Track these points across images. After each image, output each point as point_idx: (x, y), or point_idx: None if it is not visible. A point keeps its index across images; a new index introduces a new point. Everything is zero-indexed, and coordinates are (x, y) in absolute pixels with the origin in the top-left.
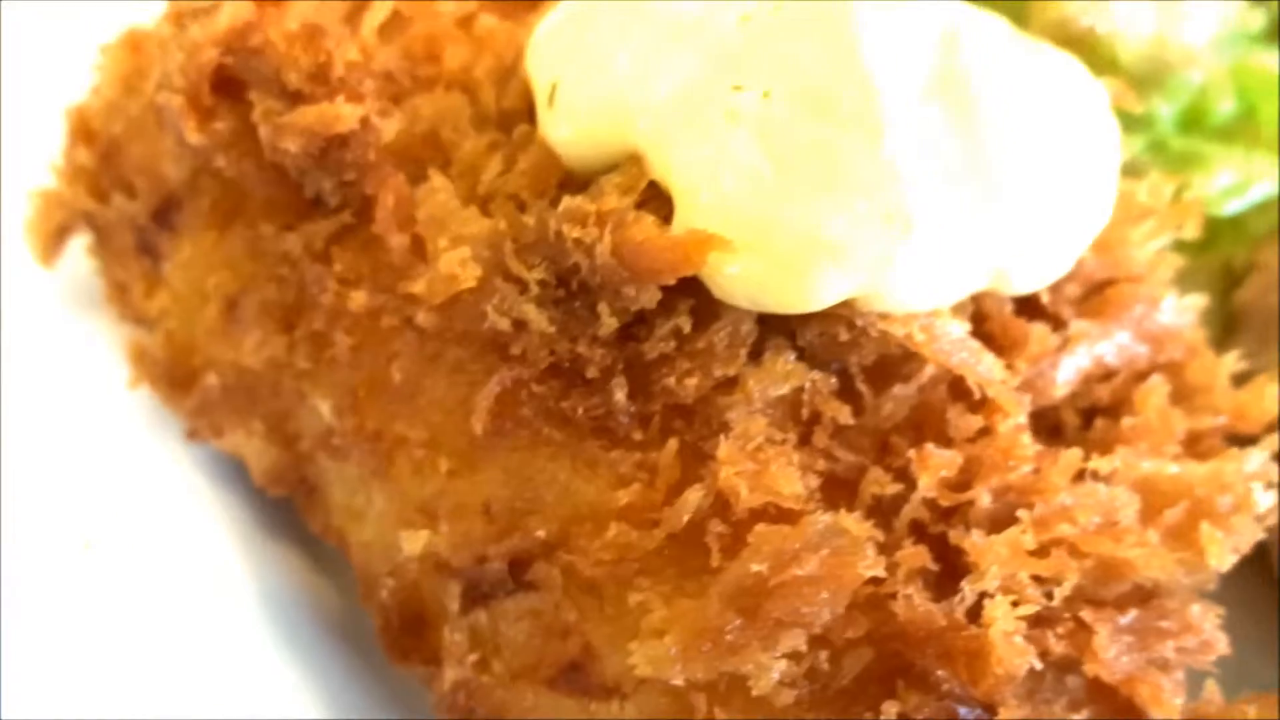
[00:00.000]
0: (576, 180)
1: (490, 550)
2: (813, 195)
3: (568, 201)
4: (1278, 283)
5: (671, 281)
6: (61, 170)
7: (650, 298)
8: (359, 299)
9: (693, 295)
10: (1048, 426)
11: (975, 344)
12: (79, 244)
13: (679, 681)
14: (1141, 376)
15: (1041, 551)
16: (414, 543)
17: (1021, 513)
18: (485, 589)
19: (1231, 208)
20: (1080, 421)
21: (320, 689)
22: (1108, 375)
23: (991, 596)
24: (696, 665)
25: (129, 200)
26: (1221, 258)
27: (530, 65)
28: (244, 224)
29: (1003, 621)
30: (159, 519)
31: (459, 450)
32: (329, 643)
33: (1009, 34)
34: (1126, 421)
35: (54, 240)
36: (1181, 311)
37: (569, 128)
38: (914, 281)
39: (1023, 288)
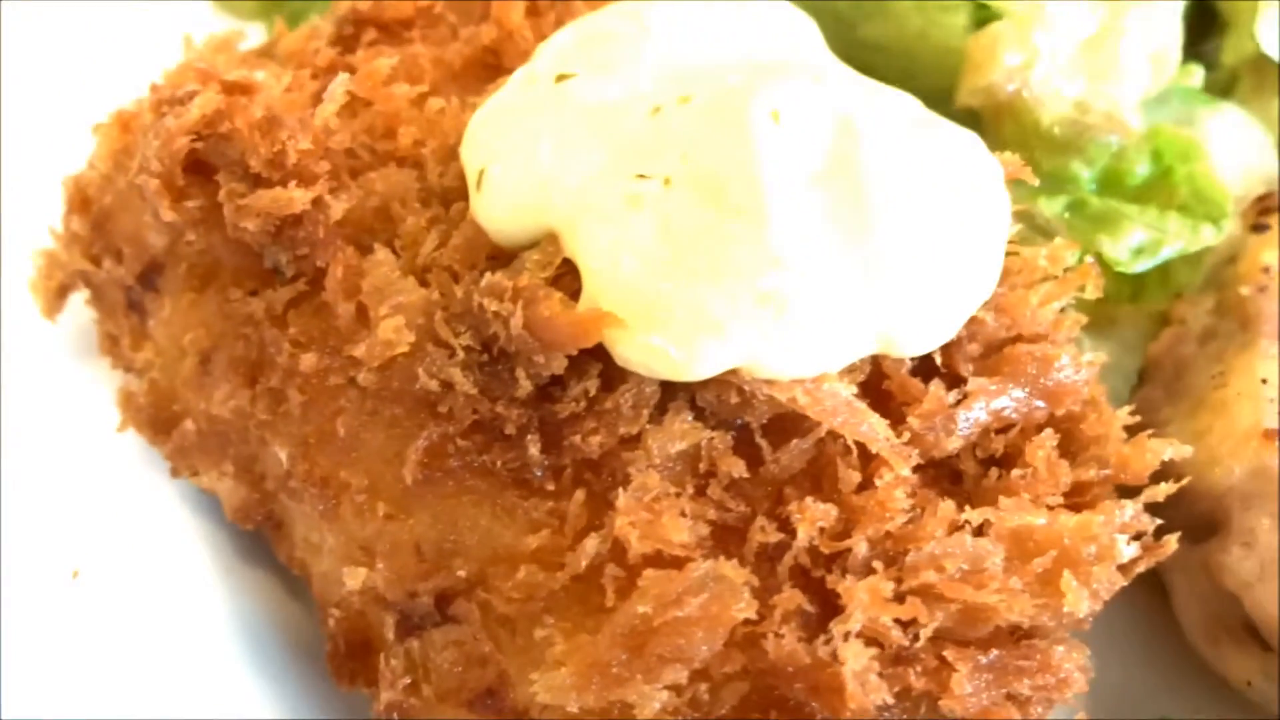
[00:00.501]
0: (505, 254)
1: (419, 587)
2: (698, 277)
3: (489, 277)
4: (1190, 336)
5: (574, 351)
6: (60, 235)
7: (559, 365)
8: (309, 360)
9: (602, 360)
10: (950, 475)
11: (859, 405)
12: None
13: (574, 709)
14: (1038, 429)
15: (900, 597)
16: (354, 578)
17: (877, 563)
18: (416, 621)
19: (1141, 266)
20: (980, 471)
21: (288, 708)
22: (1005, 428)
23: (856, 637)
24: (589, 694)
25: (117, 264)
26: (1152, 307)
27: (464, 152)
28: (216, 288)
29: (853, 661)
30: (145, 548)
31: (394, 496)
32: (298, 664)
33: (912, 114)
34: (1016, 473)
35: (55, 296)
36: (1079, 368)
37: (495, 210)
38: (794, 352)
39: (910, 351)
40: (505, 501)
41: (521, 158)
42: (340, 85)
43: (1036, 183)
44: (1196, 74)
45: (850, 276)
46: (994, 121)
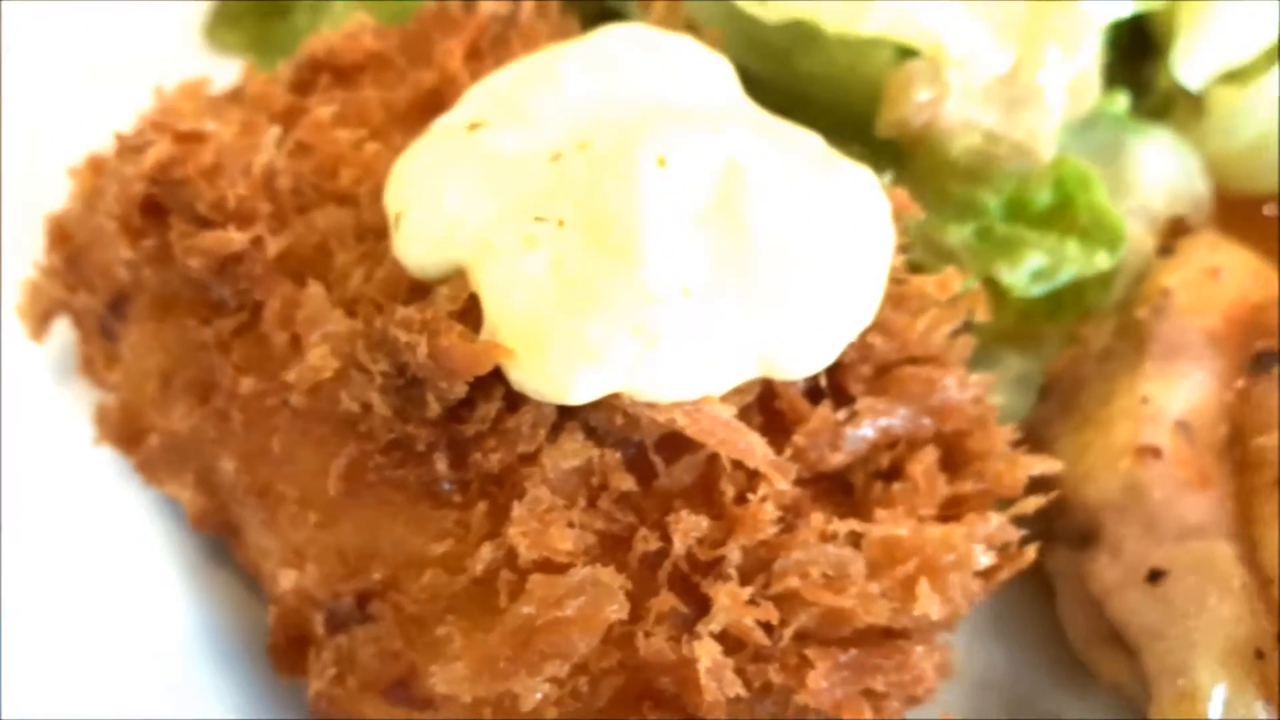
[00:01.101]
0: (423, 287)
1: (342, 588)
2: (579, 312)
3: (401, 310)
4: (1090, 356)
5: (470, 378)
6: (41, 267)
7: (460, 390)
8: (248, 383)
9: (506, 384)
10: (841, 487)
11: (737, 424)
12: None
13: (468, 699)
14: (924, 444)
15: (756, 600)
16: (288, 579)
17: (748, 570)
18: (341, 619)
19: (1038, 290)
20: (868, 483)
21: (244, 697)
22: (893, 444)
23: (720, 636)
24: (480, 686)
25: (90, 294)
26: (1066, 326)
27: (386, 195)
28: (174, 317)
29: (706, 658)
30: (119, 547)
31: (322, 506)
32: (252, 655)
33: (809, 154)
34: (897, 486)
35: (40, 321)
36: (965, 388)
37: (410, 249)
38: (670, 378)
39: (791, 376)
40: (417, 512)
41: (433, 202)
42: (272, 138)
43: (923, 217)
44: (1121, 100)
45: (731, 308)
46: (910, 151)
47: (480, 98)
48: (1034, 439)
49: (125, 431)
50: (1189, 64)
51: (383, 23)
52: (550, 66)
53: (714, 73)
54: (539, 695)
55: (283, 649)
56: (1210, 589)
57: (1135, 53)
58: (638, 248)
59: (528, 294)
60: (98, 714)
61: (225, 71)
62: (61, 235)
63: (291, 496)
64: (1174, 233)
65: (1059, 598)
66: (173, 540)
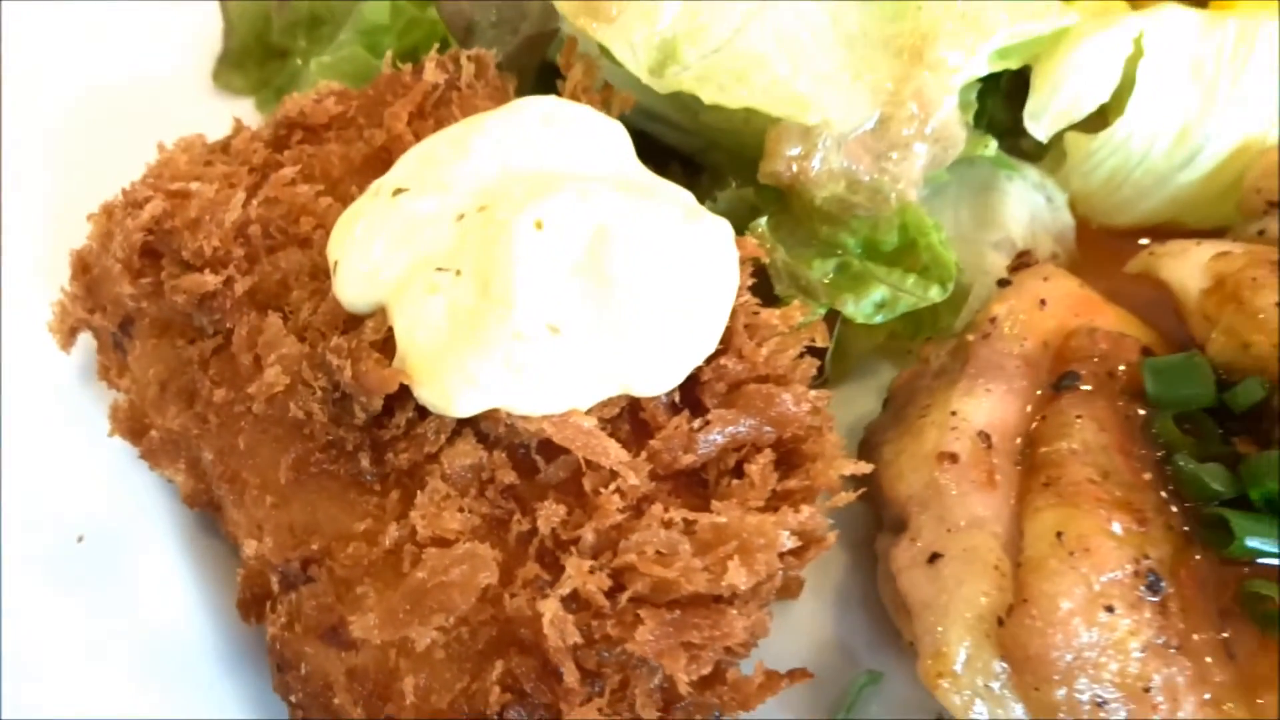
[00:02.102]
0: (357, 319)
1: (290, 555)
2: (464, 345)
3: (335, 339)
4: (929, 372)
5: (382, 396)
6: (67, 293)
7: (377, 403)
8: (220, 394)
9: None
10: (698, 482)
11: (597, 432)
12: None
13: (378, 642)
14: (764, 448)
15: (594, 570)
16: (250, 548)
17: (586, 547)
18: (290, 579)
19: (881, 318)
20: (718, 479)
21: (227, 638)
22: (740, 447)
23: (568, 599)
24: (386, 633)
25: (104, 316)
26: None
27: (329, 245)
28: (168, 337)
29: (548, 613)
30: (131, 521)
31: (276, 491)
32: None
33: (674, 210)
34: (736, 482)
35: (67, 335)
36: (803, 402)
37: (344, 290)
38: (538, 398)
39: (647, 394)
40: (346, 498)
41: (362, 253)
42: (240, 199)
43: (766, 260)
44: (992, 145)
45: (596, 342)
46: (785, 196)
47: (408, 163)
48: (869, 442)
49: (132, 426)
50: (1037, 118)
51: (349, 84)
52: (464, 139)
53: (608, 139)
54: (429, 640)
55: (248, 603)
56: (971, 570)
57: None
58: (511, 296)
59: (428, 331)
60: (105, 643)
61: (229, 107)
62: (83, 267)
63: (254, 483)
64: (1016, 266)
65: (878, 574)
66: (172, 514)
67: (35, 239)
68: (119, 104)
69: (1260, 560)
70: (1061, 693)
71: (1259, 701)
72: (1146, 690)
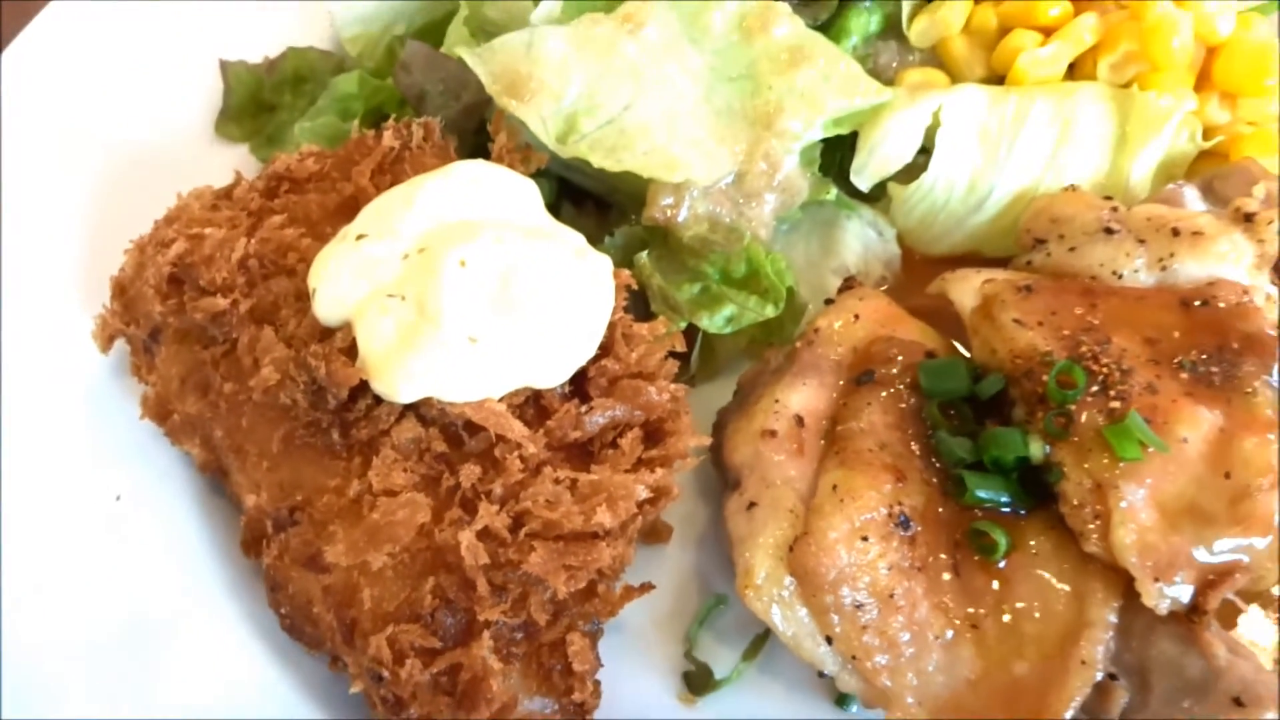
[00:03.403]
0: (330, 331)
1: (280, 505)
2: (406, 351)
3: (314, 347)
4: (768, 370)
5: (348, 388)
6: (108, 310)
7: (344, 394)
8: (228, 387)
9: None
10: (587, 453)
11: (505, 413)
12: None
13: (345, 565)
14: (634, 427)
15: (502, 513)
16: (250, 500)
17: (496, 497)
18: (280, 523)
19: (730, 329)
20: (600, 449)
21: (233, 570)
22: (616, 426)
23: (479, 533)
24: (349, 558)
25: (138, 328)
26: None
27: (309, 275)
28: (187, 344)
29: (465, 541)
30: (156, 483)
31: (270, 457)
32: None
33: (568, 248)
34: (611, 451)
35: (106, 341)
36: (664, 393)
37: (320, 310)
38: (460, 388)
39: (545, 386)
40: (321, 463)
41: (333, 283)
42: (241, 241)
43: (636, 287)
44: (832, 190)
45: (506, 348)
46: (663, 234)
47: (368, 215)
48: (719, 423)
49: (158, 411)
50: (860, 173)
51: (325, 145)
52: (410, 195)
53: (520, 194)
54: (381, 563)
55: (249, 542)
56: (774, 513)
57: None
58: (440, 316)
59: (381, 341)
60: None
61: (229, 152)
62: (120, 290)
63: (253, 452)
64: (842, 288)
65: (722, 522)
66: (189, 477)
67: (77, 265)
68: (142, 149)
69: (986, 506)
70: (830, 598)
71: (971, 609)
72: (891, 596)
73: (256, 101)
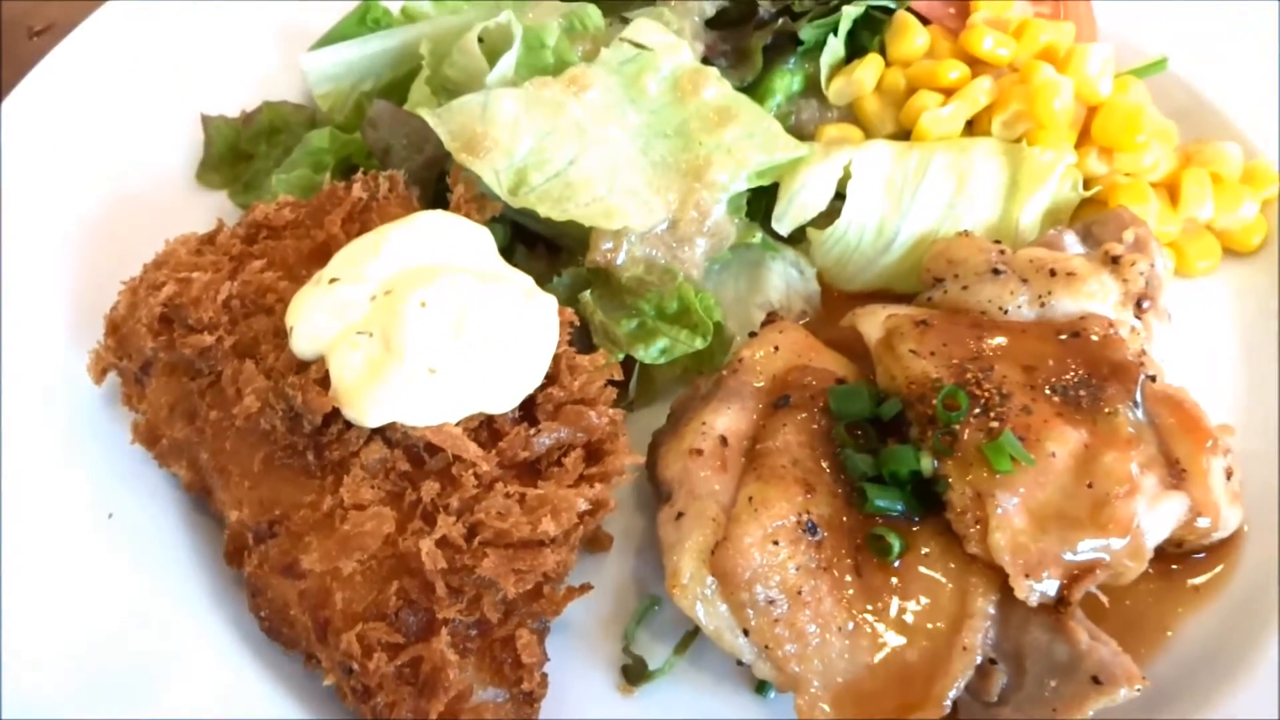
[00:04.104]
0: (306, 364)
1: (261, 519)
2: (373, 382)
3: (291, 378)
4: (698, 395)
5: (321, 415)
6: (101, 345)
7: (318, 420)
8: (214, 414)
9: (342, 416)
10: (536, 470)
11: (460, 435)
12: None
13: (319, 571)
14: (576, 448)
15: (458, 524)
16: (233, 516)
17: (453, 509)
18: (260, 535)
19: (665, 360)
20: (547, 467)
21: (215, 579)
22: (561, 447)
23: (438, 541)
24: (323, 564)
25: (130, 361)
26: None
27: (287, 315)
28: (176, 376)
29: (425, 549)
30: (146, 503)
31: (251, 478)
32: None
33: (518, 290)
34: (556, 469)
35: (100, 373)
36: (604, 416)
37: (297, 345)
38: (421, 414)
39: (497, 411)
40: (298, 481)
41: (308, 321)
42: (225, 291)
43: (577, 324)
44: (758, 234)
45: (461, 379)
46: (604, 275)
47: (339, 260)
48: (654, 443)
49: (148, 437)
50: (780, 220)
51: (299, 196)
52: (376, 243)
53: (475, 241)
54: (351, 568)
55: (231, 553)
56: (698, 522)
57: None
58: (404, 351)
59: (351, 373)
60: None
61: (209, 198)
62: (114, 327)
63: (235, 472)
64: (765, 322)
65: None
66: (175, 497)
67: (70, 302)
68: (130, 194)
69: (884, 514)
70: (745, 595)
71: (869, 604)
72: (799, 593)
73: (234, 151)
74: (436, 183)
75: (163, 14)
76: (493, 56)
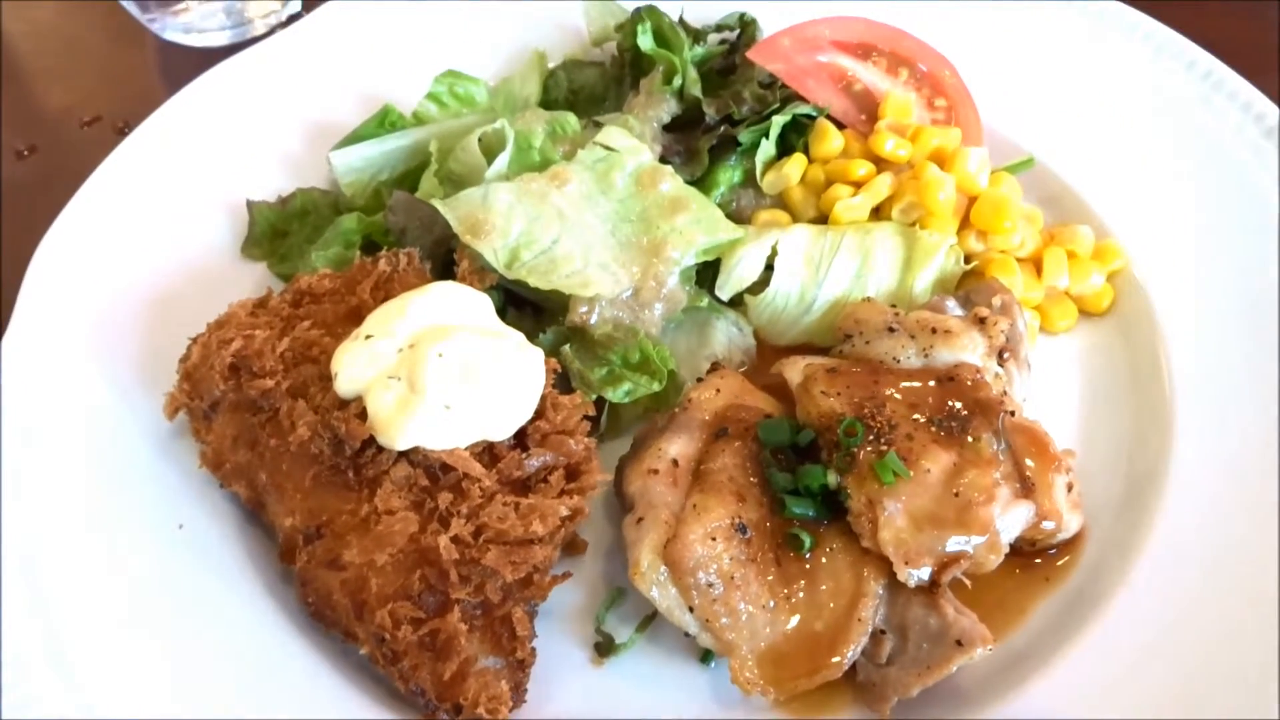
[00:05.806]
0: (347, 402)
1: (308, 524)
2: (402, 415)
3: (336, 413)
4: (656, 428)
5: (359, 442)
6: (176, 389)
7: (357, 445)
8: (273, 442)
9: (377, 442)
10: (528, 486)
11: (469, 457)
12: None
13: (359, 562)
14: (558, 469)
15: (467, 526)
16: (286, 523)
17: (463, 515)
18: (309, 537)
19: (627, 399)
20: (536, 483)
21: (265, 575)
22: (546, 468)
23: (452, 539)
24: (361, 557)
25: (200, 401)
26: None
27: (332, 363)
28: (240, 412)
29: (443, 546)
30: (211, 517)
31: (303, 491)
32: (273, 567)
33: (512, 343)
34: (543, 485)
35: (173, 411)
36: (580, 443)
37: (341, 387)
38: (438, 440)
39: (498, 439)
40: (340, 494)
41: (350, 369)
42: (282, 345)
43: (560, 370)
44: (705, 299)
45: (470, 413)
46: (581, 333)
47: (372, 320)
48: (620, 467)
49: (214, 462)
50: (722, 289)
51: (335, 269)
52: (402, 307)
53: (479, 306)
54: (384, 560)
55: (285, 552)
56: (654, 524)
57: None
58: (425, 391)
59: (384, 409)
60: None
61: (252, 269)
62: (188, 374)
63: (290, 488)
64: (710, 370)
65: (621, 535)
66: (233, 512)
67: (142, 354)
68: (187, 265)
69: (800, 518)
70: (690, 580)
71: (787, 587)
72: (732, 579)
73: (273, 230)
74: (445, 258)
75: (212, 115)
76: (490, 155)
